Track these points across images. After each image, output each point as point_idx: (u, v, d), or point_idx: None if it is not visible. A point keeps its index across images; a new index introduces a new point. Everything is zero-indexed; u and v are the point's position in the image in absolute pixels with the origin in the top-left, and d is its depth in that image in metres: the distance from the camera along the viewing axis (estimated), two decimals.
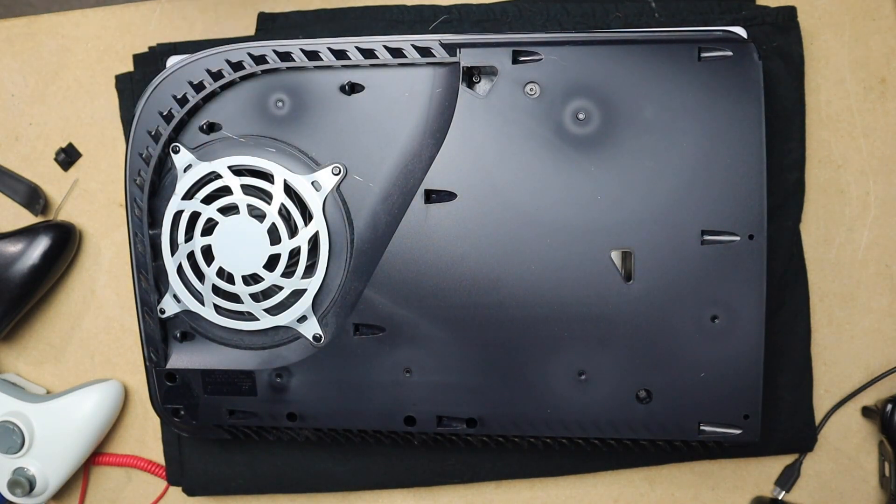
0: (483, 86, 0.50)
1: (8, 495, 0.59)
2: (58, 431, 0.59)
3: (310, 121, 0.52)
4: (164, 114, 0.52)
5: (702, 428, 0.51)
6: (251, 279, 0.53)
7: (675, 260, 0.49)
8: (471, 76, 0.50)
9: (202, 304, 0.53)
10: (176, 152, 0.52)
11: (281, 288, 0.52)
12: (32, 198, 0.62)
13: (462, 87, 0.49)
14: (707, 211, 0.49)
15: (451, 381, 0.52)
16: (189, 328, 0.55)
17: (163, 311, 0.54)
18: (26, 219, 0.62)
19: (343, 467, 0.60)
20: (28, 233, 0.59)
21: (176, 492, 0.63)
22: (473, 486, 0.61)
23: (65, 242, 0.60)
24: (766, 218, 0.49)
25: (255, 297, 0.53)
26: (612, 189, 0.49)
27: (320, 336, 0.53)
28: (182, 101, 0.51)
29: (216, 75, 0.51)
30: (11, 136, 0.62)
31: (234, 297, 0.53)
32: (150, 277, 0.54)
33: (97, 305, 0.63)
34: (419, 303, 0.51)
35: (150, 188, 0.53)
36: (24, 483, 0.58)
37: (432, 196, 0.51)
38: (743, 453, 0.59)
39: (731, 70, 0.48)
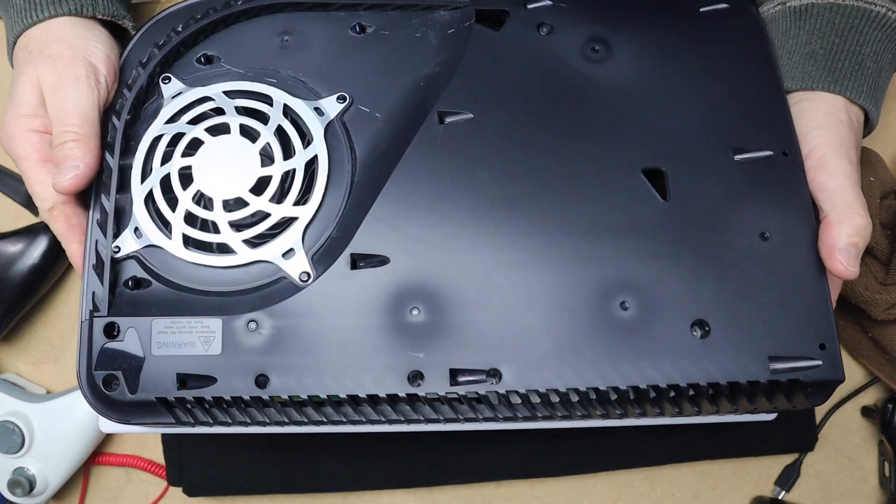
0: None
1: (8, 495, 0.59)
2: (58, 431, 0.59)
3: (316, 59, 0.49)
4: (160, 44, 0.48)
5: (772, 366, 0.43)
6: (233, 203, 0.45)
7: (710, 176, 0.46)
8: (482, 20, 0.50)
9: (168, 236, 0.45)
10: (166, 82, 0.47)
11: (268, 215, 0.45)
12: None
13: (474, 25, 0.50)
14: (736, 129, 0.47)
15: (468, 319, 0.43)
16: (145, 272, 0.45)
17: (117, 250, 0.45)
18: (26, 219, 0.62)
19: (344, 467, 0.60)
20: (28, 233, 0.59)
21: (176, 492, 0.63)
22: (473, 486, 0.61)
23: None
24: (795, 135, 0.47)
25: (236, 227, 0.45)
26: (634, 109, 0.48)
27: (309, 274, 0.44)
28: (180, 31, 0.48)
29: (220, 10, 0.49)
30: None
31: (210, 227, 0.45)
32: (110, 208, 0.45)
33: None
34: (431, 228, 0.44)
35: (130, 114, 0.46)
36: (24, 483, 0.58)
37: (445, 119, 0.47)
38: (743, 453, 0.59)
39: (731, 22, 0.50)
